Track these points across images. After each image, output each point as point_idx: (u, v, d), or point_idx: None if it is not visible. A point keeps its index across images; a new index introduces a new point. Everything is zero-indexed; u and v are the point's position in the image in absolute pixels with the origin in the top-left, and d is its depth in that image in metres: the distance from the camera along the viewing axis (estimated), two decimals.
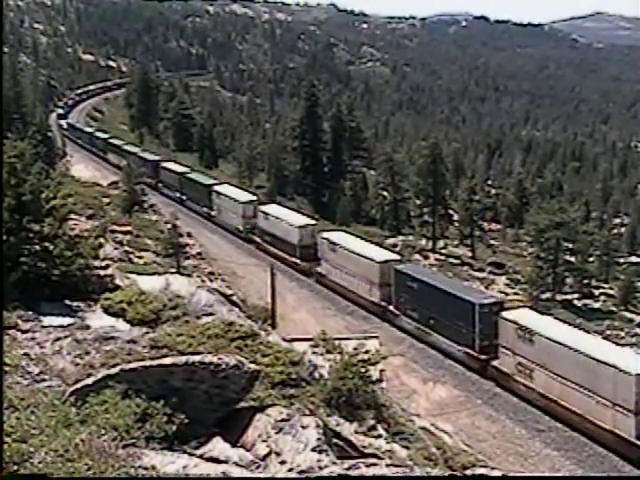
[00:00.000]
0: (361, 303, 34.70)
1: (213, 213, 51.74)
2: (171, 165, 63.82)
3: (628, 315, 49.52)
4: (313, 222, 43.12)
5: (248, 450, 9.63)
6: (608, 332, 42.89)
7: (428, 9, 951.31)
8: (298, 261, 40.39)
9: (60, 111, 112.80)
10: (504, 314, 26.62)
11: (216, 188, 52.13)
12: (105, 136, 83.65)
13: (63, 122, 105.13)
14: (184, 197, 57.47)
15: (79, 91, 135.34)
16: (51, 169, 28.52)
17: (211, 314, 16.37)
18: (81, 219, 30.30)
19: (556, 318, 29.91)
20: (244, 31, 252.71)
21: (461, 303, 28.06)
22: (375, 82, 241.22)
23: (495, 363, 26.82)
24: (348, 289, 35.66)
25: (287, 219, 42.47)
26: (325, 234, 39.16)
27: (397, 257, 36.18)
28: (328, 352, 17.82)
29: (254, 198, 49.72)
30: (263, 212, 44.76)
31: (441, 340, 29.42)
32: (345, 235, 40.14)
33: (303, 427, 9.87)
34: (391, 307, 32.71)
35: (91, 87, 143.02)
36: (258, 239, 45.04)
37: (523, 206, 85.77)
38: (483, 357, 27.32)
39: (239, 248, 46.38)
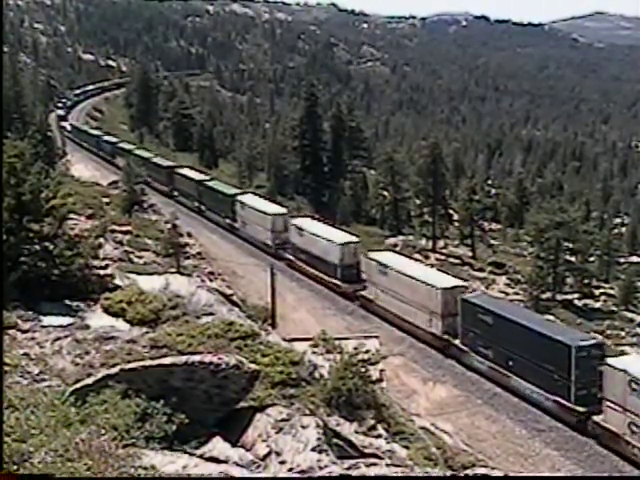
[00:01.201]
0: (417, 334, 30.90)
1: (237, 225, 48.07)
2: (188, 172, 59.31)
3: (629, 315, 49.55)
4: (356, 240, 39.05)
5: (248, 450, 9.64)
6: (608, 332, 42.91)
7: (428, 9, 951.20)
8: (339, 282, 36.59)
9: (61, 112, 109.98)
10: (612, 362, 22.50)
11: (240, 198, 48.35)
12: (114, 140, 79.21)
13: (66, 124, 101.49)
14: (203, 207, 53.62)
15: (77, 91, 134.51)
16: (51, 169, 28.45)
17: (211, 314, 16.38)
18: (81, 219, 30.28)
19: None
20: (244, 31, 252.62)
21: (552, 344, 23.94)
22: (375, 82, 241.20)
23: (598, 419, 22.68)
24: (401, 317, 31.81)
25: (326, 236, 38.39)
26: (373, 254, 35.54)
27: (463, 283, 32.33)
28: (328, 352, 17.80)
29: (284, 210, 45.98)
30: (297, 227, 40.75)
31: (524, 385, 25.35)
32: (397, 256, 36.74)
33: (303, 427, 9.88)
34: (457, 342, 28.81)
35: (89, 87, 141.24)
36: (290, 256, 41.17)
37: (523, 206, 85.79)
38: (581, 410, 23.25)
39: (239, 248, 46.36)
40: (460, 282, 32.15)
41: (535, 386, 24.81)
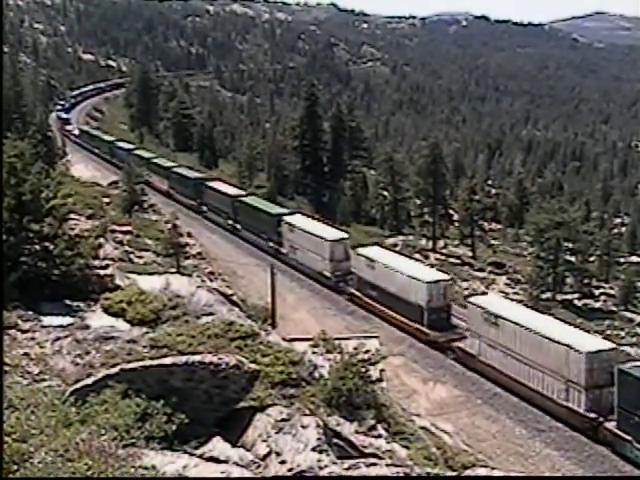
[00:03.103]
0: (545, 406, 24.76)
1: (284, 250, 42.13)
2: (219, 185, 53.63)
3: (628, 315, 49.55)
4: (446, 277, 33.13)
5: (248, 450, 9.64)
6: (608, 332, 42.91)
7: (428, 9, 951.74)
8: (425, 329, 30.61)
9: (64, 115, 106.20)
10: None
11: (288, 219, 42.48)
12: (130, 147, 72.82)
13: (72, 127, 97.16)
14: (239, 226, 48.06)
15: (74, 93, 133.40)
16: (51, 169, 28.49)
17: (211, 314, 16.39)
18: (81, 219, 30.29)
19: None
20: (244, 31, 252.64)
21: None
22: (375, 82, 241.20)
23: None
24: (520, 382, 25.61)
25: (407, 271, 32.24)
26: (478, 299, 29.57)
27: (613, 346, 24.88)
28: (328, 352, 17.80)
29: (345, 236, 39.64)
30: (366, 258, 34.81)
31: None
32: (510, 303, 30.69)
33: (303, 427, 9.88)
34: (611, 425, 22.38)
35: (85, 89, 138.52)
36: (354, 291, 35.64)
37: (523, 206, 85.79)
38: None
39: (239, 248, 46.34)
40: (609, 344, 24.93)
41: None
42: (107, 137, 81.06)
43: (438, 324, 30.54)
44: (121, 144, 74.57)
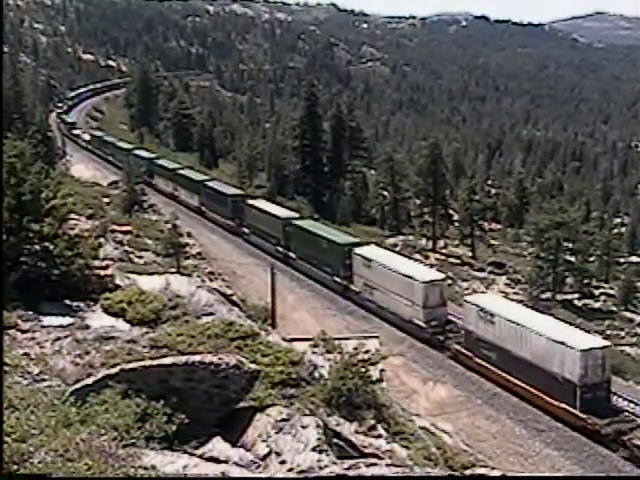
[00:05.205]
0: None
1: (355, 288, 35.75)
2: (266, 205, 47.09)
3: (628, 315, 49.56)
4: (603, 342, 25.68)
5: (248, 450, 9.63)
6: (608, 332, 42.92)
7: (428, 9, 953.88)
8: (578, 412, 23.45)
9: (69, 119, 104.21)
10: None
11: (362, 252, 35.79)
12: (150, 155, 67.63)
13: (79, 132, 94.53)
14: (292, 254, 41.25)
15: (72, 94, 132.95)
16: (51, 169, 28.48)
17: (211, 314, 16.39)
18: (81, 219, 30.28)
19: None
20: (244, 31, 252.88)
21: None
22: (375, 82, 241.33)
23: None
24: None
25: (548, 332, 24.75)
26: None
27: None
28: (328, 352, 17.81)
29: (441, 276, 33.30)
30: (481, 309, 27.40)
31: None
32: None
33: (303, 427, 9.87)
34: None
35: (81, 90, 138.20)
36: (461, 348, 28.76)
37: (523, 206, 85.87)
38: None
39: (239, 248, 46.30)
40: None
41: None
42: (124, 144, 75.96)
43: (595, 406, 23.32)
44: (141, 152, 69.82)
